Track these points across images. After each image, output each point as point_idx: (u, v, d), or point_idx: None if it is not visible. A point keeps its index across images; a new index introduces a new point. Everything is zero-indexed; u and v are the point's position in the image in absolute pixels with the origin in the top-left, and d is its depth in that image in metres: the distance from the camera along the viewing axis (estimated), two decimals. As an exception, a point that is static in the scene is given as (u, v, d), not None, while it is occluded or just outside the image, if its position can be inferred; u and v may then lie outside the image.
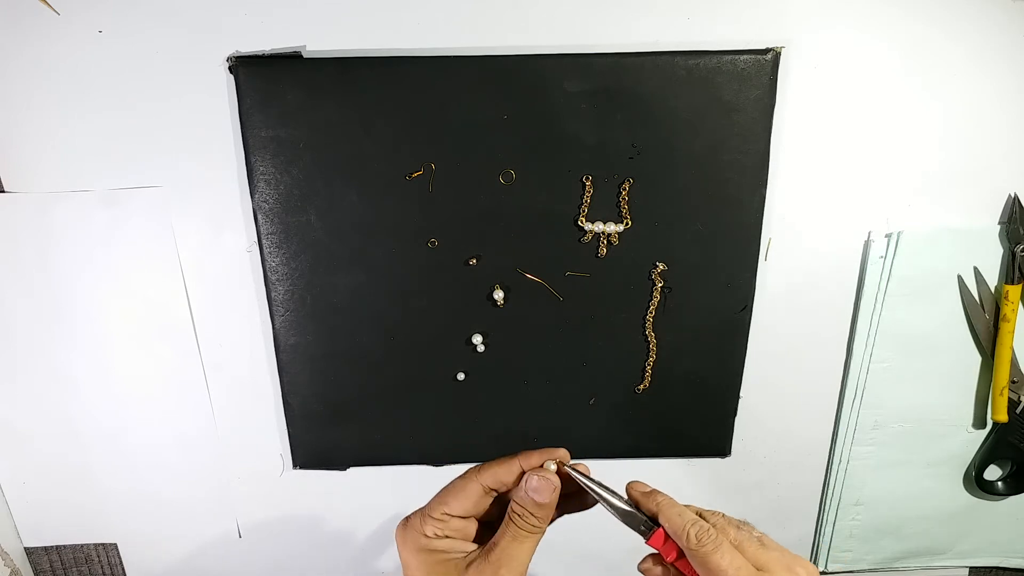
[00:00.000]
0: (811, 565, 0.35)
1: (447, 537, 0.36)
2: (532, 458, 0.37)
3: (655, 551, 0.37)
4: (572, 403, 0.54)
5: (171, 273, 0.50)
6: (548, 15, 0.45)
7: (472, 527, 0.38)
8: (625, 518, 0.37)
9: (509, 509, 0.36)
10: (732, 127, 0.46)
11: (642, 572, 0.38)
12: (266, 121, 0.45)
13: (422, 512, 0.37)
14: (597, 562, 0.62)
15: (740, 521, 0.36)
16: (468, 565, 0.36)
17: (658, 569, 0.37)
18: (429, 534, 0.36)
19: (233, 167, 0.48)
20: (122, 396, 0.54)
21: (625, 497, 0.37)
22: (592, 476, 0.37)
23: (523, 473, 0.37)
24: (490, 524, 0.38)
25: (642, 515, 0.37)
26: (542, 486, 0.36)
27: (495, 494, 0.38)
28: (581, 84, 0.45)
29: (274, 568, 0.62)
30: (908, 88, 0.47)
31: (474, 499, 0.37)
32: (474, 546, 0.37)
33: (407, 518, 0.37)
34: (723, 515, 0.36)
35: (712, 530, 0.34)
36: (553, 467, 0.37)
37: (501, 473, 0.37)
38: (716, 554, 0.34)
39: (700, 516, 0.36)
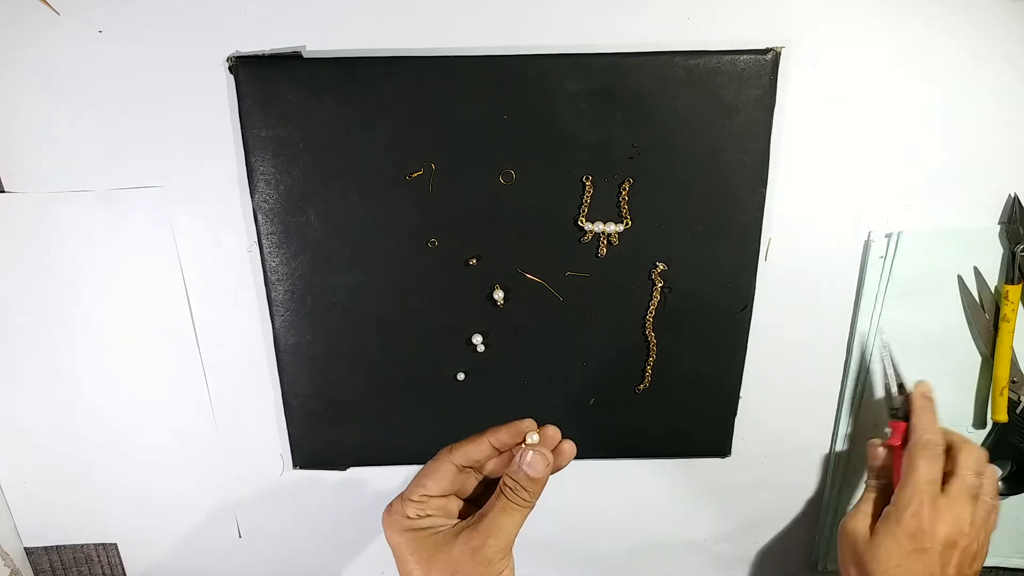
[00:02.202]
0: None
1: (428, 516, 0.38)
2: (499, 434, 0.39)
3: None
4: (572, 403, 0.54)
5: (171, 273, 0.50)
6: (548, 15, 0.45)
7: (454, 504, 0.40)
8: (887, 398, 0.51)
9: (501, 482, 0.38)
10: (732, 127, 0.46)
11: (870, 447, 0.50)
12: (266, 121, 0.45)
13: (402, 496, 0.38)
14: (597, 562, 0.62)
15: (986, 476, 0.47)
16: (457, 535, 0.37)
17: (882, 451, 0.49)
18: (411, 515, 0.38)
19: (233, 167, 0.48)
20: (122, 396, 0.54)
21: (904, 386, 0.50)
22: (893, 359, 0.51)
23: (497, 451, 0.39)
24: (475, 502, 0.40)
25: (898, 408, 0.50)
26: (536, 461, 0.37)
27: (470, 471, 0.39)
28: (581, 84, 0.45)
29: (274, 568, 0.62)
30: (908, 88, 0.47)
31: (449, 478, 0.38)
32: (456, 522, 0.38)
33: (390, 504, 0.39)
34: (975, 473, 0.46)
35: (938, 448, 0.46)
36: (536, 438, 0.39)
37: (471, 451, 0.39)
38: (922, 460, 0.45)
39: (950, 447, 0.47)
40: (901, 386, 0.51)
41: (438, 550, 0.37)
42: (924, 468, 0.46)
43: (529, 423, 0.39)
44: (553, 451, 0.40)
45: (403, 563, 0.38)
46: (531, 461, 0.37)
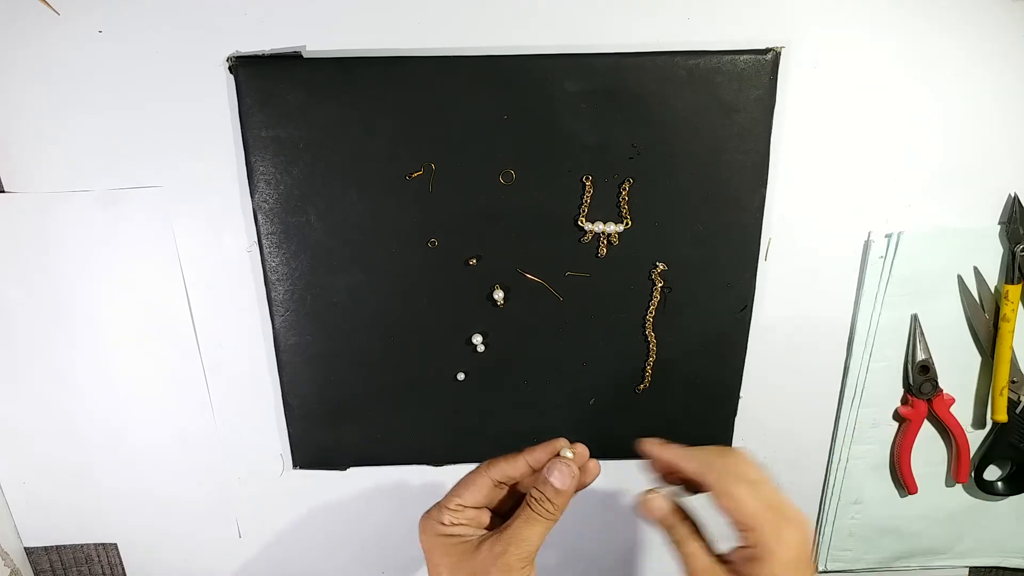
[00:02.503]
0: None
1: (461, 524, 0.40)
2: (536, 453, 0.40)
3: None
4: (572, 403, 0.54)
5: (171, 273, 0.50)
6: (548, 15, 0.45)
7: (485, 516, 0.41)
8: (906, 373, 0.53)
9: (528, 494, 0.39)
10: (732, 127, 0.46)
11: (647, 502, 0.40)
12: (266, 121, 0.45)
13: (439, 504, 0.40)
14: (597, 562, 0.62)
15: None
16: (482, 542, 0.39)
17: (661, 504, 0.40)
18: (445, 522, 0.40)
19: (233, 167, 0.48)
20: (122, 396, 0.54)
21: (929, 366, 0.52)
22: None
23: (532, 469, 0.40)
24: (506, 516, 0.41)
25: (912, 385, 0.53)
26: (563, 472, 0.39)
27: (504, 487, 0.41)
28: (581, 84, 0.45)
29: (274, 568, 0.62)
30: (908, 88, 0.47)
31: (484, 491, 0.40)
32: (485, 532, 0.40)
33: (428, 510, 0.41)
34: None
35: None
36: (570, 454, 0.40)
37: (508, 468, 0.40)
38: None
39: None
40: (925, 366, 0.52)
41: (465, 556, 0.38)
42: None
43: (563, 441, 0.41)
44: (580, 468, 0.41)
45: (433, 565, 0.40)
46: (557, 473, 0.39)
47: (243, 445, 0.56)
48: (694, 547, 0.38)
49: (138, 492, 0.58)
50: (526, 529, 0.38)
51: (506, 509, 0.42)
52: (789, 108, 0.47)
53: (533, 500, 0.39)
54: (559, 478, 0.38)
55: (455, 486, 0.41)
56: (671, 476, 0.41)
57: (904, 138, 0.48)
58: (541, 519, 0.38)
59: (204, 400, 0.54)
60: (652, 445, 0.41)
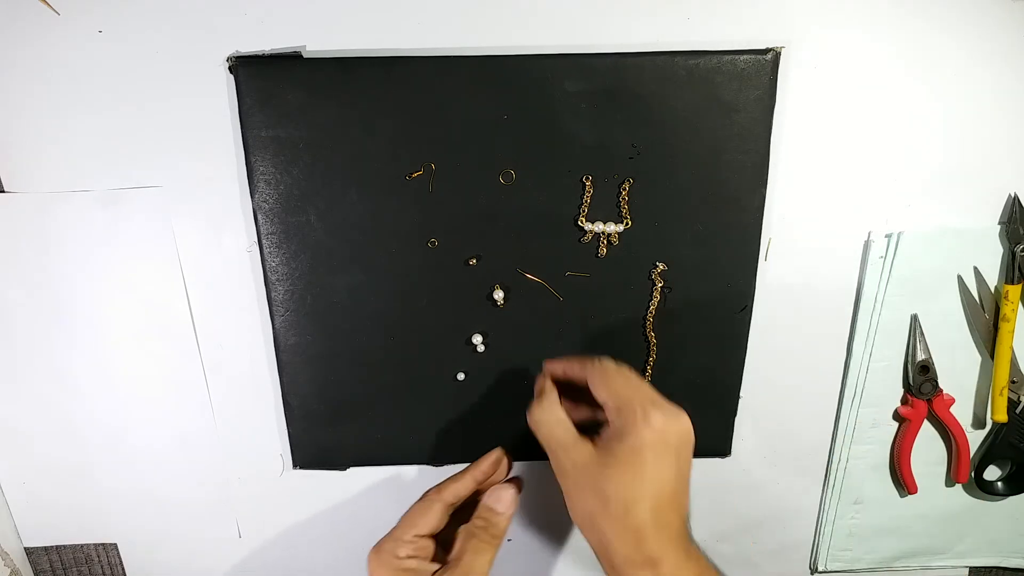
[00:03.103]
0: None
1: (416, 557, 0.39)
2: (481, 466, 0.41)
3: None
4: (572, 403, 0.54)
5: (171, 273, 0.50)
6: (548, 15, 0.45)
7: (431, 545, 0.40)
8: (906, 373, 0.53)
9: (471, 525, 0.39)
10: (732, 127, 0.46)
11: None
12: (266, 121, 0.45)
13: (393, 536, 0.39)
14: (597, 562, 0.62)
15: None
16: None
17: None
18: (402, 555, 0.38)
19: (233, 167, 0.48)
20: (122, 396, 0.54)
21: (929, 366, 0.52)
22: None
23: (478, 484, 0.41)
24: (435, 536, 0.41)
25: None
26: (505, 497, 0.39)
27: (452, 508, 0.41)
28: (581, 84, 0.45)
29: (274, 568, 0.62)
30: (908, 88, 0.47)
31: (439, 517, 0.40)
32: (436, 565, 0.39)
33: (379, 543, 0.39)
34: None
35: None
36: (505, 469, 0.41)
37: (459, 489, 0.40)
38: None
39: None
40: (925, 366, 0.52)
41: None
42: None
43: (500, 451, 0.41)
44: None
45: None
46: (497, 498, 0.39)
47: (243, 445, 0.56)
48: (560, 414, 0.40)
49: (138, 492, 0.58)
50: (477, 560, 0.38)
51: (443, 534, 0.41)
52: (789, 108, 0.47)
53: (479, 529, 0.38)
54: (503, 503, 0.38)
55: (406, 515, 0.40)
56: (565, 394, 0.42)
57: (904, 138, 0.48)
58: (489, 546, 0.38)
59: (204, 400, 0.54)
60: (552, 364, 0.43)
